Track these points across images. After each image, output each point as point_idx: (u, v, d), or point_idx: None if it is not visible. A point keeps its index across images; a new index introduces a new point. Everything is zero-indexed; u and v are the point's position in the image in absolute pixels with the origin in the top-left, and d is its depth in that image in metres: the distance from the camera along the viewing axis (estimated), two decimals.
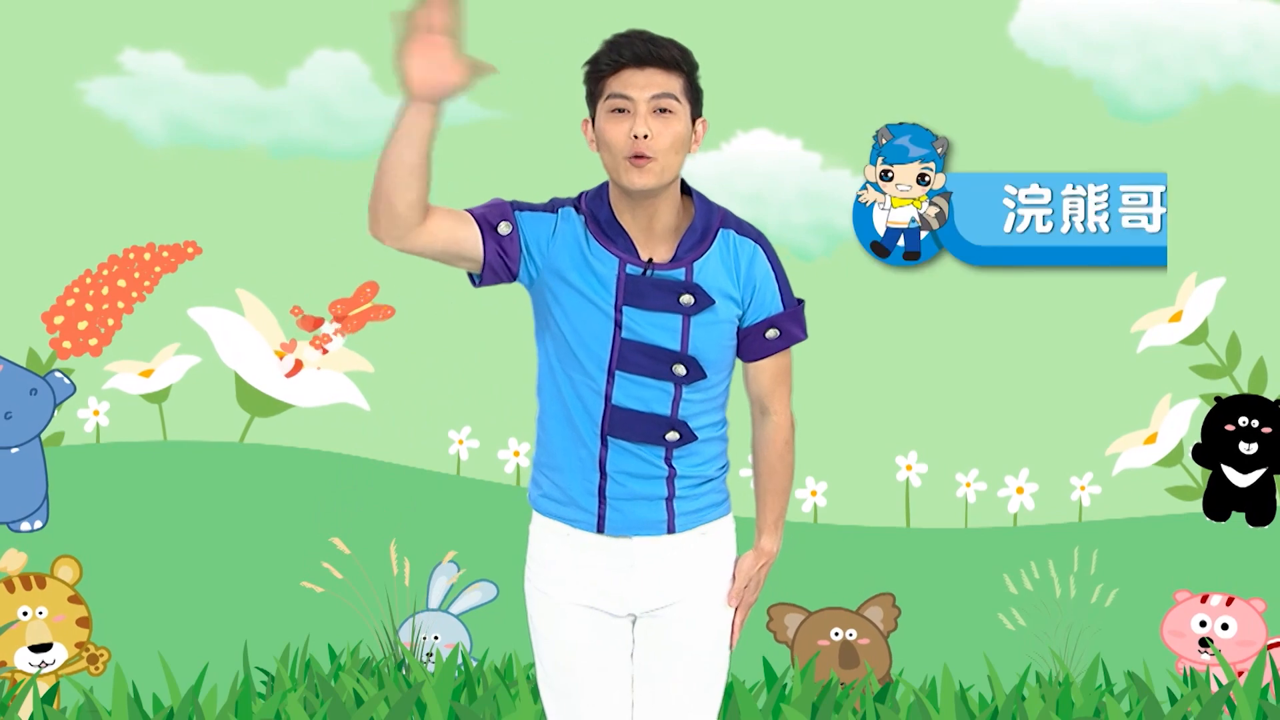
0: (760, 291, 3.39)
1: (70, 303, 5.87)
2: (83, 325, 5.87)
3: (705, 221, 3.35)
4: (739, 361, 3.47)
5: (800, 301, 3.44)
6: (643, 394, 3.32)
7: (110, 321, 5.88)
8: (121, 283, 5.87)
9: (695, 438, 3.37)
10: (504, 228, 3.29)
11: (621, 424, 3.33)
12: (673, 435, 3.35)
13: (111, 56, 5.89)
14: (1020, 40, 5.84)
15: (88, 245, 5.88)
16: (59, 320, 5.87)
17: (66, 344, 5.87)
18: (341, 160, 5.88)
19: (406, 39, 3.04)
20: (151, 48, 5.90)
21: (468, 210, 3.31)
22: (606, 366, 3.32)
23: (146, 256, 5.88)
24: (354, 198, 5.87)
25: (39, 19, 5.87)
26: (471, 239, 3.27)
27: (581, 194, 3.38)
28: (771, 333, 3.40)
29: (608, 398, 3.33)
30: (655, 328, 3.31)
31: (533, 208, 3.35)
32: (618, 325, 3.31)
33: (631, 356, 3.31)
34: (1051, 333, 5.84)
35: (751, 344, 3.41)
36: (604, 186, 3.37)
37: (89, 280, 5.88)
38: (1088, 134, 5.81)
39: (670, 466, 3.37)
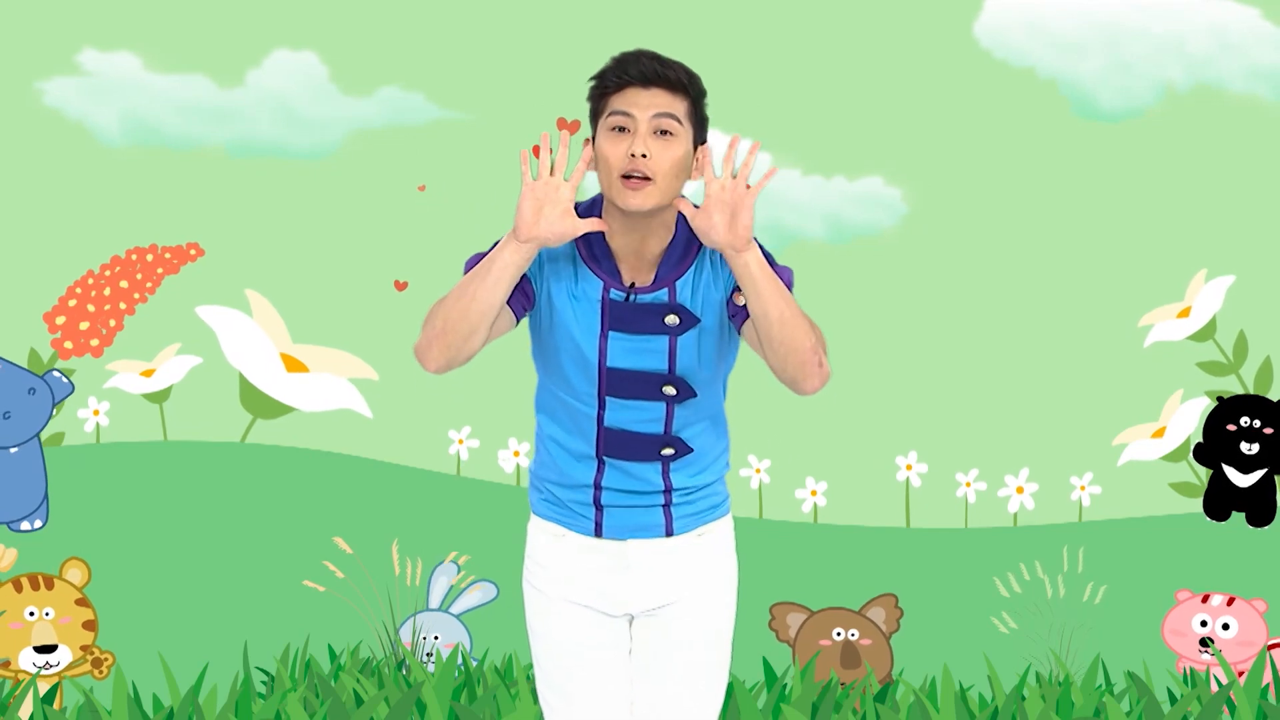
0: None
1: (72, 303, 5.87)
2: (84, 326, 5.87)
3: (686, 239, 3.25)
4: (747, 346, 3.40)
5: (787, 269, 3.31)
6: (635, 416, 3.29)
7: (112, 322, 5.88)
8: (124, 284, 5.87)
9: (691, 450, 3.34)
10: None
11: (616, 445, 3.31)
12: (668, 450, 3.33)
13: (70, 56, 5.89)
14: (985, 40, 5.82)
15: (75, 246, 5.87)
16: (60, 320, 5.87)
17: (68, 344, 5.88)
18: (300, 160, 5.88)
19: (528, 181, 3.06)
20: (110, 47, 5.89)
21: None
22: (596, 392, 3.29)
23: (149, 258, 5.89)
24: (314, 198, 5.91)
25: None
26: (506, 316, 3.25)
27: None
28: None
29: (600, 420, 3.30)
30: (641, 352, 3.25)
31: None
32: (603, 353, 3.26)
33: (619, 383, 3.27)
34: (1053, 331, 5.84)
35: (736, 308, 3.26)
36: (597, 200, 3.28)
37: (91, 281, 5.88)
38: (1053, 134, 5.80)
39: (666, 480, 3.36)
